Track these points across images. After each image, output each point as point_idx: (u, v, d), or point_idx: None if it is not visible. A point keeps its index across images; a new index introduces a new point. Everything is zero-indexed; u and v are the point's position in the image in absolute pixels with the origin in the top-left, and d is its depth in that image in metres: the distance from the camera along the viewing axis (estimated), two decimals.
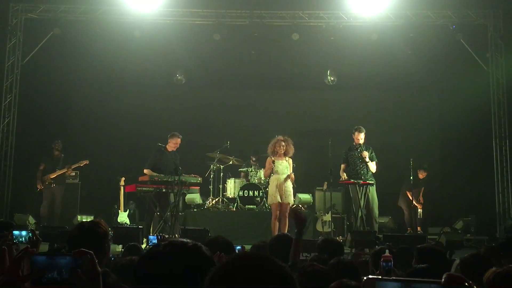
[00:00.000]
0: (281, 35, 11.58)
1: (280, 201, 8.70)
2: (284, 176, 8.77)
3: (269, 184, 9.15)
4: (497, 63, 11.10)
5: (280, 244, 4.19)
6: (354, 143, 9.55)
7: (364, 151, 9.31)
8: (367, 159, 9.27)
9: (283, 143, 8.85)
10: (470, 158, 11.56)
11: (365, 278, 1.24)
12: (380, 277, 1.23)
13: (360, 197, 9.19)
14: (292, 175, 8.86)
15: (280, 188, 8.73)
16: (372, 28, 11.22)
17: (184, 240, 1.66)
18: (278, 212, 8.72)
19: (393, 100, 12.81)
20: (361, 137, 9.44)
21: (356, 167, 9.45)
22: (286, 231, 8.62)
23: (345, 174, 9.54)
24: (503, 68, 11.07)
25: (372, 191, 9.36)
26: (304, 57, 11.97)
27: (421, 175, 11.24)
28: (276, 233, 8.40)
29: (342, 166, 9.64)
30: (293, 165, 9.05)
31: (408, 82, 12.18)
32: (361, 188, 9.24)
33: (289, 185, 8.82)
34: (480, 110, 11.28)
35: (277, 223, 8.72)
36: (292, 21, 11.37)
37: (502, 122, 11.03)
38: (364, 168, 9.37)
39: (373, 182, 9.35)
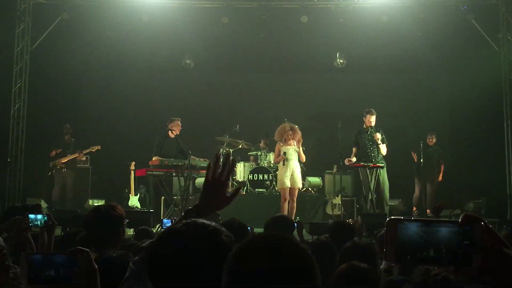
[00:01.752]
0: (290, 18, 11.49)
1: (289, 186, 8.81)
2: (293, 161, 8.89)
3: (278, 169, 9.25)
4: (508, 43, 10.96)
5: (276, 225, 4.24)
6: (364, 126, 9.52)
7: (377, 133, 9.28)
8: (379, 141, 9.24)
9: (290, 132, 8.97)
10: (480, 139, 11.49)
11: (388, 219, 1.26)
12: (402, 217, 1.26)
13: (370, 180, 9.19)
14: (303, 156, 8.96)
15: (289, 173, 8.84)
16: (381, 10, 11.11)
17: (206, 221, 1.64)
18: (287, 196, 8.84)
19: (403, 82, 12.71)
20: (372, 120, 9.41)
21: (366, 150, 9.42)
22: (293, 215, 8.72)
23: (354, 158, 9.52)
24: None
25: (383, 174, 9.34)
26: (313, 40, 11.88)
27: (430, 141, 11.04)
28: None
29: (354, 150, 9.62)
30: (302, 148, 9.11)
31: (418, 63, 12.08)
32: (371, 170, 9.23)
33: (298, 170, 8.94)
34: (491, 91, 11.18)
35: (287, 207, 8.83)
36: (301, 3, 11.27)
37: None
38: (375, 150, 9.35)
39: (383, 164, 9.33)
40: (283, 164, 8.90)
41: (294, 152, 8.97)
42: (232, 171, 2.05)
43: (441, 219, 1.27)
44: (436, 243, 1.22)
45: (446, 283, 2.31)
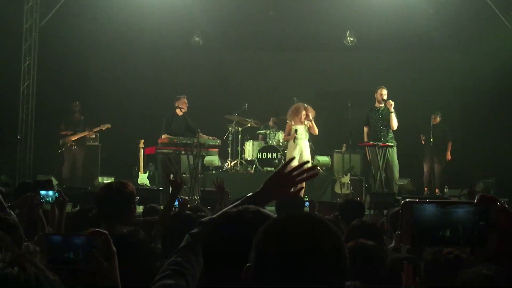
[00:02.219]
0: None
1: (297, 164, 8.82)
2: (303, 140, 8.98)
3: (287, 147, 9.29)
4: None
5: (288, 204, 4.26)
6: (375, 105, 9.45)
7: (390, 101, 9.17)
8: (392, 109, 9.14)
9: (304, 112, 8.97)
10: (491, 118, 11.40)
11: (403, 201, 1.25)
12: (417, 199, 1.25)
13: (379, 159, 9.16)
14: (315, 129, 9.09)
15: (298, 152, 8.95)
16: None
17: (261, 209, 1.64)
18: None
19: (414, 60, 12.58)
20: (384, 93, 9.32)
21: (376, 129, 9.37)
22: (302, 194, 8.77)
23: (367, 138, 9.48)
24: None
25: (392, 153, 9.29)
26: (323, 18, 11.75)
27: (434, 120, 10.85)
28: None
29: (365, 129, 9.57)
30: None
31: (430, 41, 11.93)
32: (381, 150, 9.20)
33: (307, 149, 9.03)
34: (502, 69, 11.02)
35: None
36: None
37: None
38: (385, 130, 9.29)
39: (393, 144, 9.29)
40: (294, 142, 8.92)
41: (304, 132, 9.02)
42: (310, 179, 2.06)
43: (459, 200, 1.26)
44: (452, 224, 1.21)
45: (458, 262, 2.31)
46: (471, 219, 1.20)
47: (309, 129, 9.17)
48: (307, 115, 9.03)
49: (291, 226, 1.27)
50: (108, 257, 1.74)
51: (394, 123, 9.21)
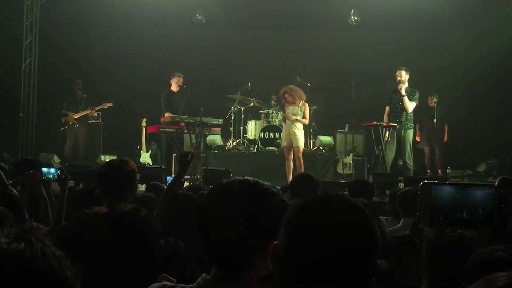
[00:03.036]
0: None
1: (285, 145, 9.08)
2: (292, 123, 8.99)
3: None
4: None
5: (301, 183, 4.24)
6: (397, 86, 9.35)
7: (401, 84, 9.10)
8: (403, 92, 9.08)
9: (286, 95, 8.98)
10: (494, 99, 11.34)
11: (421, 182, 1.26)
12: (436, 181, 1.26)
13: (383, 139, 9.14)
14: (291, 116, 8.95)
15: (288, 133, 9.02)
16: None
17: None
18: (287, 155, 9.05)
19: (418, 40, 12.46)
20: (401, 75, 9.25)
21: (395, 110, 9.33)
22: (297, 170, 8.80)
23: (386, 118, 9.42)
24: None
25: (405, 135, 9.24)
26: None
27: (431, 102, 10.64)
28: (291, 174, 8.76)
29: (386, 109, 9.50)
30: (310, 110, 9.37)
31: (434, 21, 11.80)
32: (384, 129, 9.17)
33: (297, 129, 8.98)
34: (507, 50, 10.94)
35: (291, 165, 9.01)
36: None
37: None
38: (402, 112, 9.22)
39: (401, 125, 9.19)
40: (284, 123, 9.08)
41: (292, 114, 9.00)
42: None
43: (475, 182, 1.27)
44: (471, 206, 1.21)
45: (462, 241, 2.29)
46: (490, 201, 1.20)
47: (303, 113, 9.11)
48: (292, 97, 8.95)
49: (324, 203, 1.26)
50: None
51: (408, 106, 9.14)
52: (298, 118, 9.00)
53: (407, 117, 9.24)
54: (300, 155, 8.97)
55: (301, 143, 9.03)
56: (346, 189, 4.83)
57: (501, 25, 11.01)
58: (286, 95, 9.00)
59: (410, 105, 9.15)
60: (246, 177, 1.60)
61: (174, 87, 9.77)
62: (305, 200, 1.30)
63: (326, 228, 1.20)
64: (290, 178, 8.25)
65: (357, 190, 4.42)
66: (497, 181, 1.22)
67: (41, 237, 0.95)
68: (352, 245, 1.19)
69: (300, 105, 9.01)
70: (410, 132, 9.36)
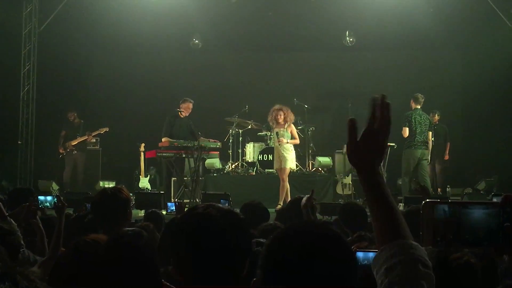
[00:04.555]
0: None
1: (277, 167, 9.10)
2: (282, 143, 8.99)
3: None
4: None
5: (291, 208, 4.22)
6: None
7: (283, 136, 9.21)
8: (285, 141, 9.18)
9: (281, 112, 9.03)
10: (492, 116, 11.37)
11: (424, 202, 1.25)
12: (438, 200, 1.25)
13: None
14: (283, 140, 8.98)
15: (278, 155, 9.05)
16: None
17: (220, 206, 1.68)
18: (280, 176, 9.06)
19: (414, 59, 12.55)
20: (412, 105, 9.58)
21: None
22: (283, 194, 8.88)
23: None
24: None
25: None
26: (322, 18, 11.72)
27: (434, 118, 10.67)
28: (283, 195, 8.85)
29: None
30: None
31: (430, 40, 11.90)
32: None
33: (286, 150, 9.00)
34: (503, 67, 10.99)
35: (288, 185, 9.04)
36: None
37: None
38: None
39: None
40: (279, 145, 9.05)
41: (285, 134, 9.05)
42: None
43: (478, 200, 1.28)
44: (475, 225, 1.20)
45: (470, 270, 2.18)
46: (495, 220, 1.20)
47: (291, 134, 9.14)
48: (284, 117, 9.00)
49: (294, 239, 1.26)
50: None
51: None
52: (289, 140, 9.07)
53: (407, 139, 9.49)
54: (286, 176, 8.98)
55: (288, 164, 9.05)
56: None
57: (496, 44, 11.09)
58: (281, 113, 9.03)
59: (403, 131, 9.38)
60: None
61: (184, 113, 9.64)
62: (272, 238, 1.31)
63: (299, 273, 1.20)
64: (289, 199, 8.30)
65: (348, 213, 4.32)
66: (501, 199, 1.21)
67: (28, 273, 0.94)
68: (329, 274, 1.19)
69: (286, 126, 9.08)
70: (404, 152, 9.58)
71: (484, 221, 1.20)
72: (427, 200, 1.26)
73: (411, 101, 9.61)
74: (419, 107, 9.57)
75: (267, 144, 10.82)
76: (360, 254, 2.26)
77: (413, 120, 9.47)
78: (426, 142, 9.52)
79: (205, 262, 1.50)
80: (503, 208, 1.19)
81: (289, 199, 8.43)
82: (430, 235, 1.22)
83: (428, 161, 9.61)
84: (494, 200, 3.38)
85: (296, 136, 9.31)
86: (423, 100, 9.59)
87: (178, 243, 1.59)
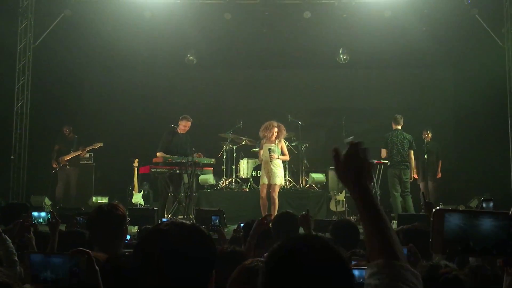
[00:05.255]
0: (293, 14, 11.44)
1: (265, 182, 9.02)
2: (273, 159, 8.99)
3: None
4: None
5: (284, 222, 4.23)
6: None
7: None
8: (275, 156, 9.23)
9: (276, 129, 9.06)
10: (484, 135, 11.44)
11: (434, 209, 1.26)
12: (449, 207, 1.25)
13: (375, 176, 9.33)
14: (275, 155, 8.99)
15: (267, 170, 9.01)
16: (385, 5, 11.05)
17: (184, 221, 1.69)
18: (265, 192, 9.05)
19: (407, 77, 12.67)
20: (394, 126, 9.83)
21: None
22: (276, 210, 8.80)
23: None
24: None
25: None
26: (316, 36, 11.82)
27: (426, 137, 10.78)
28: (266, 212, 8.75)
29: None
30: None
31: (422, 59, 12.02)
32: (376, 166, 9.34)
33: (276, 166, 9.02)
34: (495, 86, 11.11)
35: (266, 202, 9.04)
36: None
37: None
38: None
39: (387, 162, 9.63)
40: (270, 161, 8.99)
41: (276, 150, 9.09)
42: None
43: (488, 210, 1.30)
44: (484, 234, 1.21)
45: (457, 284, 2.25)
46: (504, 230, 1.20)
47: (281, 150, 9.16)
48: (278, 134, 9.03)
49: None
50: (91, 275, 1.72)
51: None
52: (280, 156, 9.10)
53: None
54: (276, 193, 8.98)
55: (278, 180, 9.07)
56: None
57: (488, 63, 11.20)
58: (275, 129, 9.06)
59: (381, 153, 9.72)
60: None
61: (181, 129, 9.56)
62: (280, 245, 1.33)
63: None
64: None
65: (340, 231, 4.33)
66: (511, 210, 1.22)
67: None
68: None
69: (277, 142, 9.11)
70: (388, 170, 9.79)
71: (493, 231, 1.20)
72: (438, 208, 1.26)
73: (392, 122, 9.88)
74: (399, 127, 9.82)
75: (261, 160, 10.80)
76: (356, 272, 2.28)
77: (389, 141, 9.73)
78: (405, 161, 9.71)
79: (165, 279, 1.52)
80: None
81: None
82: (440, 242, 1.23)
83: (410, 180, 9.82)
84: (485, 205, 3.41)
85: (286, 152, 9.35)
86: (402, 120, 9.86)
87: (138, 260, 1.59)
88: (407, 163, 9.73)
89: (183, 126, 9.51)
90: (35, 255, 1.90)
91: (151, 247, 1.56)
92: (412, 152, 9.87)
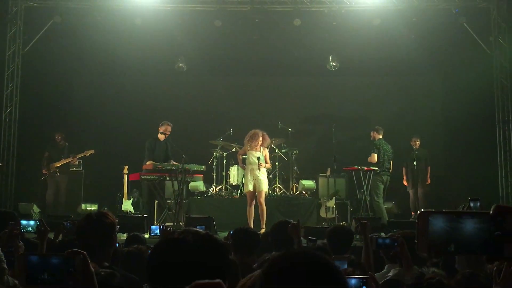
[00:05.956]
0: (283, 21, 11.50)
1: (251, 189, 9.00)
2: (256, 166, 9.00)
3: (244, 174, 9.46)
4: (500, 46, 11.01)
5: (283, 230, 4.26)
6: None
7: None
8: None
9: (261, 138, 9.11)
10: (473, 142, 11.52)
11: (419, 211, 1.32)
12: (433, 210, 1.32)
13: (364, 183, 9.36)
14: (263, 164, 9.06)
15: (253, 177, 9.00)
16: (374, 13, 11.13)
17: (198, 229, 1.70)
18: (253, 199, 9.03)
19: (396, 85, 12.75)
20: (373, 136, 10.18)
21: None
22: (264, 217, 8.84)
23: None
24: (506, 51, 10.97)
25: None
26: (306, 43, 11.89)
27: (415, 144, 10.85)
28: (252, 219, 8.88)
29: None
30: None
31: (411, 67, 12.11)
32: (366, 174, 9.39)
33: (261, 173, 9.04)
34: (484, 94, 11.22)
35: (253, 210, 9.02)
36: (294, 6, 11.27)
37: (505, 106, 10.96)
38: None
39: (376, 168, 9.75)
40: (259, 169, 8.99)
41: (262, 158, 9.13)
42: None
43: (471, 211, 1.36)
44: (468, 234, 1.26)
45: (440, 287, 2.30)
46: (486, 229, 1.25)
47: (265, 158, 9.21)
48: (262, 142, 9.08)
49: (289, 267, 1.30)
50: (86, 277, 1.72)
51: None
52: (266, 165, 9.16)
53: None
54: (263, 199, 8.99)
55: (265, 187, 9.11)
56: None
57: (477, 71, 11.31)
58: (261, 138, 9.11)
59: (371, 157, 9.93)
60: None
61: (160, 135, 9.67)
62: (267, 264, 1.34)
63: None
64: (252, 225, 8.39)
65: (336, 237, 4.41)
66: (492, 209, 1.26)
67: None
68: None
69: (261, 150, 9.15)
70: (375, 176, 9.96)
71: (476, 230, 1.25)
72: (422, 210, 1.31)
73: (374, 132, 10.20)
74: (381, 137, 10.14)
75: None
76: (352, 281, 2.33)
77: (381, 148, 9.96)
78: (389, 169, 10.09)
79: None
80: (494, 217, 1.25)
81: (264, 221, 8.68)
82: (425, 243, 1.27)
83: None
84: (471, 204, 3.51)
85: (269, 160, 9.40)
86: (382, 131, 10.23)
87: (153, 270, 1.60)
88: (390, 171, 10.10)
89: (164, 130, 9.59)
90: (32, 256, 1.89)
91: (167, 257, 1.58)
92: (392, 162, 10.24)
